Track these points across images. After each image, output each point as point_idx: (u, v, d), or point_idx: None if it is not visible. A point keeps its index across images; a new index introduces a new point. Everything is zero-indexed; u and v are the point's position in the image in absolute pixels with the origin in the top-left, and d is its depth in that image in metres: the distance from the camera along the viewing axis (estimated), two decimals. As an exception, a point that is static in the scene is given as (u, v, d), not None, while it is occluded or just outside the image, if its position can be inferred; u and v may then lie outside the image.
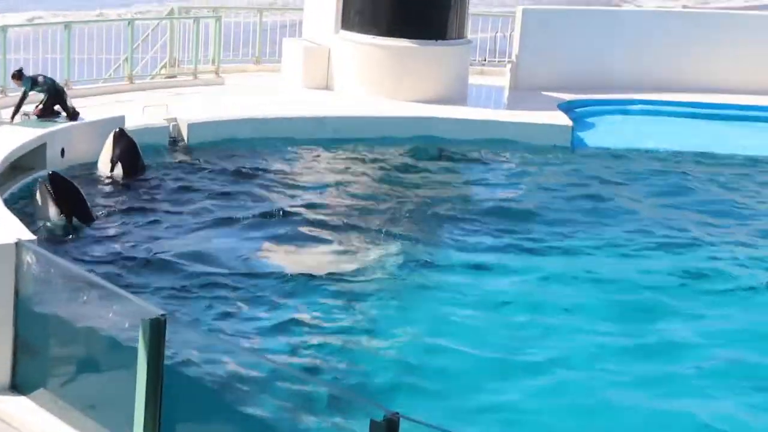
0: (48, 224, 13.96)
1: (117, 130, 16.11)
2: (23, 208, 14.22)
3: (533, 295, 12.91)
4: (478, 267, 13.67)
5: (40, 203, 14.12)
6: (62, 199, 13.99)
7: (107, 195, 15.30)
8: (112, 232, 14.06)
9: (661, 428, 10.24)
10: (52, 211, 13.99)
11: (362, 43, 20.57)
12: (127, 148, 16.04)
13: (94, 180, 15.76)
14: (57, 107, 16.35)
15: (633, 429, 10.25)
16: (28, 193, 14.93)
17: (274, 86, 20.95)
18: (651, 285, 13.34)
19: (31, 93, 16.02)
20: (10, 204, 13.14)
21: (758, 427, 10.40)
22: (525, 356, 11.34)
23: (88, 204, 14.39)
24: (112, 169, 15.95)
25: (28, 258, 9.27)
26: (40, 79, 16.15)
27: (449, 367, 11.05)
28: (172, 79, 20.92)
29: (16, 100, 16.07)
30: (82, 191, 14.38)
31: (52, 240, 13.55)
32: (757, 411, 10.58)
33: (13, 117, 15.87)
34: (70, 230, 13.90)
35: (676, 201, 16.93)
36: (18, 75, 15.99)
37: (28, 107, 16.19)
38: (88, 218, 14.21)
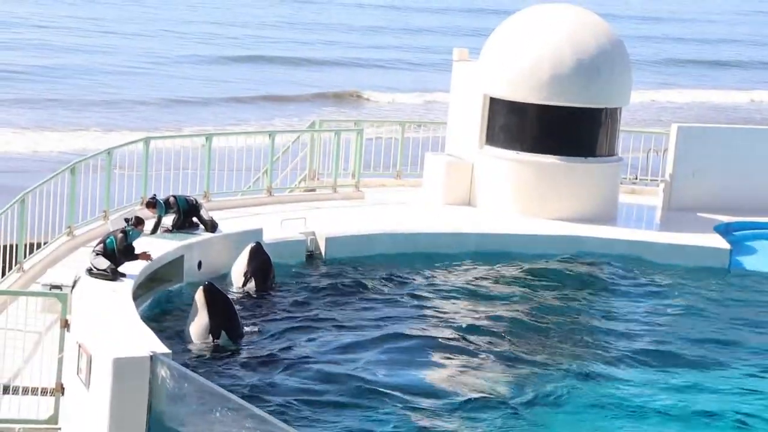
0: (194, 337, 14.30)
1: (254, 244, 16.62)
2: (159, 320, 14.68)
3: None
4: (623, 388, 13.74)
5: (193, 314, 14.45)
6: (215, 313, 14.29)
7: (243, 308, 15.64)
8: (249, 346, 14.37)
9: None
10: (204, 322, 14.30)
11: (507, 158, 20.80)
12: (262, 263, 16.53)
13: (226, 291, 16.16)
14: (194, 219, 16.99)
15: None
16: (163, 305, 15.41)
17: (414, 201, 21.30)
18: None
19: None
20: (145, 315, 13.60)
21: None
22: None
23: (239, 320, 14.72)
24: (245, 283, 16.40)
25: (162, 372, 9.58)
26: (171, 200, 16.83)
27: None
28: (311, 193, 21.46)
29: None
30: (234, 307, 14.71)
31: (196, 353, 13.92)
32: None
33: (152, 234, 16.47)
34: (217, 344, 14.21)
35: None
36: (152, 204, 16.65)
37: (167, 219, 16.83)
38: (237, 335, 14.50)
